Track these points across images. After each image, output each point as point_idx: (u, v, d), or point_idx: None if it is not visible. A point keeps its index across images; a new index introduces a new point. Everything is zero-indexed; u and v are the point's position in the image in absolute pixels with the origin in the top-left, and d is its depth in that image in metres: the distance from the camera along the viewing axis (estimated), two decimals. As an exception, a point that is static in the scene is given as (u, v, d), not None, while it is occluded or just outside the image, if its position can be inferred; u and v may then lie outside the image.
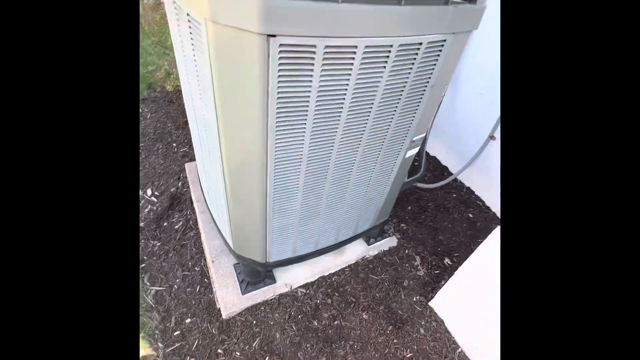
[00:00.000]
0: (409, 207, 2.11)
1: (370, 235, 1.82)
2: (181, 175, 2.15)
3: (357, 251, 1.78)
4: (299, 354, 1.39)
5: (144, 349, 1.38)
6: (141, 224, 1.86)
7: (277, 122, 0.89)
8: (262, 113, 0.86)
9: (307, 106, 0.89)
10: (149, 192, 2.04)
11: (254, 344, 1.41)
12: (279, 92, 0.83)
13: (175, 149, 2.34)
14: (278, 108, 0.86)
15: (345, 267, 1.72)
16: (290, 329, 1.47)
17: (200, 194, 1.95)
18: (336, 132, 1.01)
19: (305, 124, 0.93)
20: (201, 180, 1.68)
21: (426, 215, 2.07)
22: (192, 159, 2.26)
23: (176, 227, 1.87)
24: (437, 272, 1.77)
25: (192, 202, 1.99)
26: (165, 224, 1.88)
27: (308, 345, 1.42)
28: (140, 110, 2.73)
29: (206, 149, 1.19)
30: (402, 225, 2.00)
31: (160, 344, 1.41)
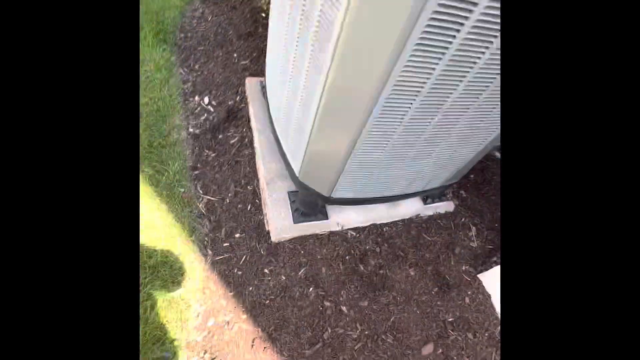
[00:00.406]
0: (472, 176, 1.96)
1: (430, 195, 1.71)
2: (239, 89, 2.02)
3: (412, 207, 1.69)
4: (342, 292, 1.39)
5: (194, 253, 1.40)
6: (196, 131, 1.80)
7: (404, 68, 0.76)
8: (394, 52, 0.72)
9: (434, 69, 0.80)
10: (206, 99, 1.94)
11: (299, 272, 1.41)
12: (416, 45, 0.71)
13: (236, 60, 2.17)
14: (409, 58, 0.74)
15: (399, 221, 1.65)
16: (337, 267, 1.45)
17: (261, 112, 1.84)
18: (449, 97, 0.91)
19: (426, 82, 0.84)
20: (270, 99, 1.55)
21: (489, 188, 1.92)
22: (253, 74, 2.11)
23: (231, 141, 1.79)
24: (491, 247, 1.68)
25: (248, 120, 1.89)
26: (220, 136, 1.81)
27: (352, 286, 1.41)
28: (201, 10, 2.52)
29: (295, 66, 1.05)
30: (462, 192, 1.87)
31: (209, 251, 1.42)
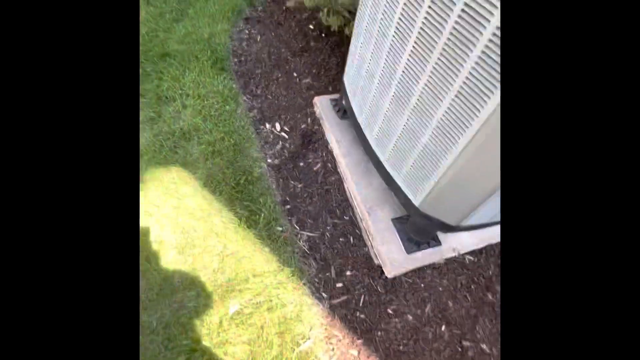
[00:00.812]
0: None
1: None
2: (308, 110, 1.92)
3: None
4: (477, 328, 1.26)
5: (308, 298, 1.30)
6: (275, 161, 1.70)
7: None
8: None
9: None
10: (277, 126, 1.85)
11: (426, 310, 1.29)
12: None
13: (297, 80, 2.07)
14: None
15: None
16: (464, 299, 1.32)
17: (339, 134, 1.73)
18: None
19: None
20: (365, 123, 1.43)
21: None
22: (318, 92, 2.00)
23: (314, 168, 1.69)
24: None
25: (326, 144, 1.78)
26: (301, 164, 1.71)
27: (486, 319, 1.27)
28: (247, 31, 2.43)
29: (427, 94, 0.92)
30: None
31: (324, 294, 1.33)
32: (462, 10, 0.78)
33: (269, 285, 1.30)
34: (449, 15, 0.82)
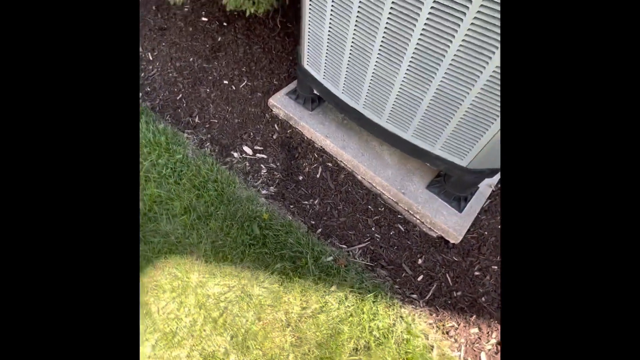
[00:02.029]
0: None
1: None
2: (268, 116, 1.63)
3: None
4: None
5: (400, 308, 1.19)
6: (272, 190, 1.43)
7: None
8: None
9: None
10: (246, 149, 1.53)
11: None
12: None
13: (232, 87, 1.71)
14: None
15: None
16: (523, 223, 1.36)
17: (323, 128, 1.51)
18: None
19: None
20: (377, 105, 1.25)
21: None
22: (264, 91, 1.69)
23: (317, 176, 1.48)
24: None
25: (310, 142, 1.55)
26: (300, 177, 1.47)
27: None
28: (142, 56, 1.87)
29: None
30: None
31: (413, 295, 1.23)
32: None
33: (363, 323, 1.14)
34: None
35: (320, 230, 1.35)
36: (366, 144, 1.48)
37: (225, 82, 1.73)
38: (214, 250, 1.25)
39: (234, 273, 1.22)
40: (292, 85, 1.66)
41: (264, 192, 1.43)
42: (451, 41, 0.85)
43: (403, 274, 1.26)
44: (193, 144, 1.53)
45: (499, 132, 0.96)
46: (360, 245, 1.31)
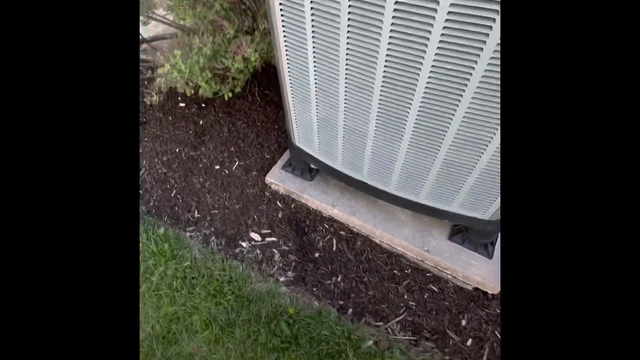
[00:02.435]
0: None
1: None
2: (267, 194, 1.57)
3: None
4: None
5: (459, 382, 1.10)
6: (290, 275, 1.36)
7: None
8: None
9: None
10: (254, 236, 1.46)
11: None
12: None
13: (226, 171, 1.67)
14: None
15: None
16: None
17: (327, 195, 1.46)
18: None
19: None
20: (384, 176, 1.20)
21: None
22: (259, 169, 1.65)
23: (334, 249, 1.41)
24: None
25: (317, 213, 1.49)
26: (317, 254, 1.40)
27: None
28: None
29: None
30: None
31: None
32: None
33: (422, 412, 1.05)
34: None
35: (350, 310, 1.26)
36: (375, 204, 1.42)
37: (217, 167, 1.69)
38: (246, 364, 1.16)
39: (273, 386, 1.12)
40: (286, 157, 1.62)
41: (282, 279, 1.35)
42: (451, 119, 0.82)
43: (450, 342, 1.18)
44: (198, 242, 1.46)
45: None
46: (398, 319, 1.23)
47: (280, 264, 1.39)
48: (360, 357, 1.15)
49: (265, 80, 1.99)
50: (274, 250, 1.43)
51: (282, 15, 0.87)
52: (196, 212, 1.56)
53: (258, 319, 1.24)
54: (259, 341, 1.19)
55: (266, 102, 1.92)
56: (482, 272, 1.24)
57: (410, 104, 0.84)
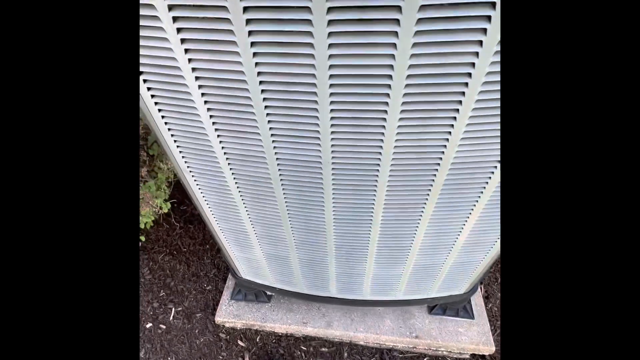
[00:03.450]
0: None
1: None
2: (221, 334, 1.31)
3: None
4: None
5: None
6: None
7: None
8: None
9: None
10: (224, 400, 1.18)
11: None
12: None
13: (162, 328, 1.34)
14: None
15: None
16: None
17: (299, 314, 1.28)
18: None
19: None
20: (353, 289, 1.09)
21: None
22: (206, 307, 1.38)
23: (321, 373, 1.22)
24: None
25: (289, 337, 1.30)
26: (305, 390, 1.19)
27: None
28: None
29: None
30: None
31: None
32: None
33: None
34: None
35: None
36: (349, 313, 1.31)
37: (149, 325, 1.35)
38: None
39: None
40: (231, 282, 1.40)
41: None
42: (415, 232, 0.78)
43: None
44: None
45: (487, 259, 0.92)
46: None
47: (269, 423, 1.13)
48: None
49: (179, 194, 1.76)
50: (255, 407, 1.17)
51: (198, 185, 0.73)
52: (137, 399, 1.20)
53: None
54: None
55: (186, 220, 1.68)
56: (472, 336, 1.22)
57: (369, 235, 0.77)
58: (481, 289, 1.39)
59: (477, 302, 1.31)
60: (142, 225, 1.34)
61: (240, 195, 0.72)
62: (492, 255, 0.88)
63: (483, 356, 1.23)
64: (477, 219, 0.73)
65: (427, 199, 0.67)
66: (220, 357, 1.27)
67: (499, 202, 0.70)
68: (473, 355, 1.24)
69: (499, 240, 0.82)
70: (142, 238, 1.56)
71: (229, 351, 1.28)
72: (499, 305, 1.35)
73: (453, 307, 1.26)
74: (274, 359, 1.27)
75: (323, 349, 1.28)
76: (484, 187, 0.64)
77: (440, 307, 1.27)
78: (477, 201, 0.67)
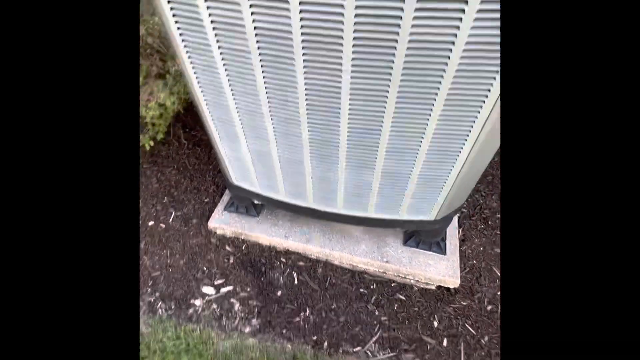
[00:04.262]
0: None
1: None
2: (212, 239, 1.46)
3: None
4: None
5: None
6: (255, 323, 1.25)
7: None
8: None
9: None
10: (207, 290, 1.33)
11: (493, 269, 1.31)
12: None
13: (161, 227, 1.51)
14: None
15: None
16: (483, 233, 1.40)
17: (277, 227, 1.40)
18: None
19: None
20: (329, 198, 1.18)
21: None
22: (200, 216, 1.53)
23: (295, 282, 1.34)
24: None
25: (271, 249, 1.42)
26: (279, 293, 1.32)
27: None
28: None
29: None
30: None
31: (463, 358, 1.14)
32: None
33: None
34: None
35: (326, 343, 1.20)
36: (329, 227, 1.40)
37: (151, 223, 1.52)
38: None
39: None
40: (227, 197, 1.52)
41: (247, 330, 1.24)
42: (380, 132, 0.84)
43: (428, 347, 1.18)
44: (143, 313, 1.28)
45: (456, 181, 0.97)
46: (374, 339, 1.20)
47: (242, 314, 1.27)
48: (345, 392, 1.08)
49: (191, 121, 1.89)
50: (232, 300, 1.31)
51: (191, 62, 0.82)
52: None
53: (228, 383, 1.10)
54: (234, 409, 1.06)
55: (195, 143, 1.81)
56: (441, 269, 1.28)
57: (338, 126, 0.84)
58: (459, 232, 1.43)
59: (452, 242, 1.36)
60: (152, 142, 1.48)
61: (226, 71, 0.80)
62: (456, 171, 0.92)
63: (448, 289, 1.30)
64: (439, 116, 0.77)
65: (389, 85, 0.73)
66: (209, 257, 1.42)
67: (459, 103, 0.74)
68: (439, 287, 1.31)
69: (462, 152, 0.86)
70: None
71: (217, 253, 1.42)
72: (474, 249, 1.40)
73: (427, 240, 1.32)
74: (256, 266, 1.40)
75: (300, 263, 1.39)
76: (443, 73, 0.68)
77: (414, 239, 1.34)
78: (437, 92, 0.72)
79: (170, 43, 0.82)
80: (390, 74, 0.70)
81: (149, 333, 1.22)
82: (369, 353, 1.17)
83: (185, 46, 0.80)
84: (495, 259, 1.37)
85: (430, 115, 0.78)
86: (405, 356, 1.16)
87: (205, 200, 1.59)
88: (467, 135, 0.81)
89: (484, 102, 0.73)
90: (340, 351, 1.18)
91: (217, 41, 0.75)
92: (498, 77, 0.68)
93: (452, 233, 1.39)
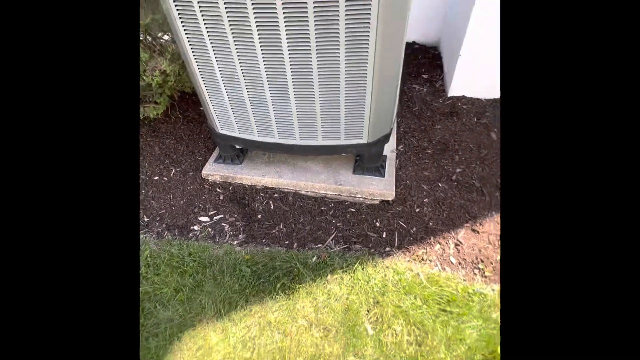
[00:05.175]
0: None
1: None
2: (205, 185, 1.84)
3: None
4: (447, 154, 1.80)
5: (384, 262, 1.47)
6: (241, 237, 1.63)
7: None
8: None
9: None
10: (203, 219, 1.70)
11: (423, 187, 1.72)
12: None
13: (165, 179, 1.89)
14: None
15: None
16: (426, 162, 1.82)
17: (260, 170, 1.80)
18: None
19: None
20: (289, 133, 1.59)
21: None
22: (196, 168, 1.92)
23: (271, 208, 1.73)
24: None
25: (252, 188, 1.81)
26: (259, 216, 1.70)
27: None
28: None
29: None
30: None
31: (387, 249, 1.52)
32: None
33: (363, 287, 1.38)
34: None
35: (295, 244, 1.57)
36: (295, 166, 1.81)
37: (156, 177, 1.91)
38: (220, 306, 1.36)
39: (246, 313, 1.34)
40: (215, 153, 1.93)
41: (235, 242, 1.61)
42: (311, 66, 1.27)
43: (372, 239, 1.56)
44: (153, 240, 1.64)
45: (372, 101, 1.39)
46: (331, 237, 1.58)
47: (231, 232, 1.65)
48: (309, 269, 1.45)
49: (184, 105, 2.31)
50: (223, 224, 1.69)
51: (184, 28, 1.26)
52: (145, 217, 1.74)
53: (222, 272, 1.47)
54: (226, 286, 1.41)
55: (188, 121, 2.23)
56: (381, 187, 1.69)
57: (284, 72, 1.27)
58: (397, 163, 1.85)
59: (390, 170, 1.77)
60: (159, 111, 1.90)
61: (208, 35, 1.24)
62: (369, 90, 1.34)
63: (387, 202, 1.69)
64: (345, 51, 1.21)
65: (309, 44, 1.16)
66: (203, 197, 1.80)
67: (354, 46, 1.17)
68: (381, 202, 1.70)
69: (367, 76, 1.29)
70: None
71: (210, 194, 1.81)
72: (407, 174, 1.81)
73: (369, 167, 1.73)
74: (241, 200, 1.78)
75: (275, 195, 1.78)
76: (338, 33, 1.12)
77: (360, 168, 1.75)
78: (338, 41, 1.16)
79: (169, 16, 1.25)
80: (309, 38, 1.14)
81: (159, 248, 1.58)
82: (328, 247, 1.55)
83: (180, 18, 1.23)
84: (423, 179, 1.78)
85: (339, 56, 1.21)
86: (354, 247, 1.54)
87: (199, 158, 1.99)
88: (367, 64, 1.25)
89: (368, 43, 1.17)
90: (306, 248, 1.56)
91: (201, 12, 1.18)
92: (373, 29, 1.12)
93: (391, 164, 1.80)
